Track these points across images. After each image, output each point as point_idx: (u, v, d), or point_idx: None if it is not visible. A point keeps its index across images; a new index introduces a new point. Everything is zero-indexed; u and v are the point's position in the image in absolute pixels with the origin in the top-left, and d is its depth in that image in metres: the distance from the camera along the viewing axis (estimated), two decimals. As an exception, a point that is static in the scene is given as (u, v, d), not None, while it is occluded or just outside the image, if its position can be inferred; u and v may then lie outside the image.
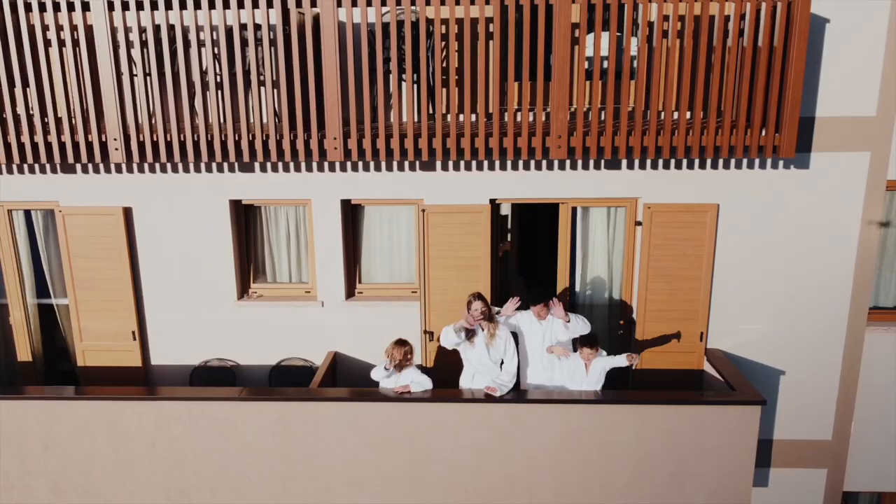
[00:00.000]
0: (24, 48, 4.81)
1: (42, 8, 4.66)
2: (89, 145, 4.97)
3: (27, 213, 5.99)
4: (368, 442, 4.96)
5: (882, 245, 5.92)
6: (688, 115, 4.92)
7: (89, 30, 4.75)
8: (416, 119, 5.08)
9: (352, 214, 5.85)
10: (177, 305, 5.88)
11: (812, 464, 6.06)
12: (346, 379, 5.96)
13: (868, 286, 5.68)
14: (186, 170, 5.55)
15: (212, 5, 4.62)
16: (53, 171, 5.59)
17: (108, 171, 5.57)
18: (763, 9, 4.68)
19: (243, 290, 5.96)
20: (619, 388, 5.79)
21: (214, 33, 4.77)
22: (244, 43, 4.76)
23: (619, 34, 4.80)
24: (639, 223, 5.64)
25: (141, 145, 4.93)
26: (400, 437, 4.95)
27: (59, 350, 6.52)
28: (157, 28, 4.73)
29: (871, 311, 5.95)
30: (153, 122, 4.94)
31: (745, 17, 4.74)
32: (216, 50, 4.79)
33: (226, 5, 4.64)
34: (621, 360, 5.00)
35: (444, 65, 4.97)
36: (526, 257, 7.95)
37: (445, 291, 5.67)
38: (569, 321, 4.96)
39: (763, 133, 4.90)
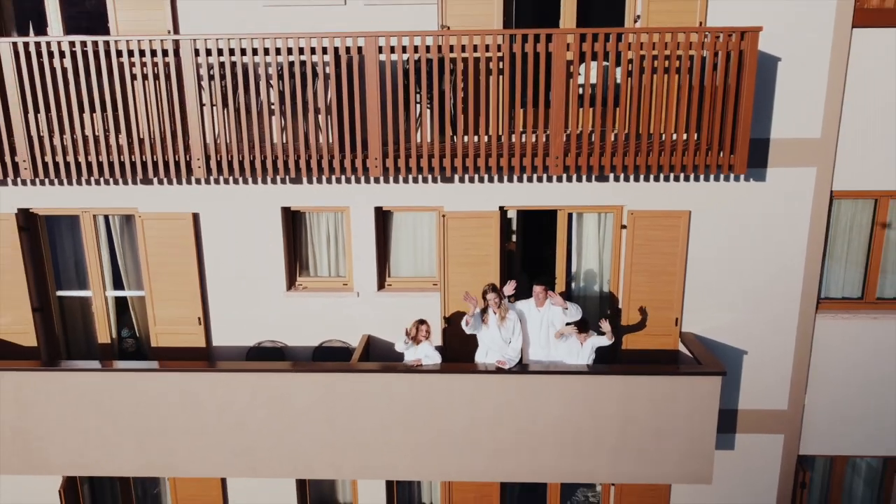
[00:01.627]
0: (120, 83, 5.91)
1: (142, 54, 5.77)
2: (177, 164, 6.07)
3: (106, 218, 7.09)
4: (400, 405, 6.06)
5: (830, 246, 7.00)
6: (662, 138, 6.02)
7: (178, 69, 5.85)
8: (440, 140, 6.17)
9: (383, 219, 6.95)
10: (235, 295, 6.99)
11: (771, 430, 7.15)
12: (378, 358, 7.05)
13: (815, 280, 6.78)
14: (245, 182, 6.65)
15: (278, 52, 5.73)
16: (135, 183, 6.69)
17: (179, 182, 6.68)
18: (720, 55, 5.78)
19: (291, 283, 7.06)
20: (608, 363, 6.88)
21: (279, 72, 5.88)
22: (303, 80, 5.87)
23: (605, 63, 5.88)
24: (624, 226, 6.74)
25: (218, 163, 6.04)
26: (422, 405, 6.05)
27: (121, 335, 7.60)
28: (233, 66, 5.83)
29: (823, 300, 7.05)
30: (229, 144, 6.03)
31: (705, 60, 5.84)
32: (281, 86, 5.89)
33: (289, 52, 5.74)
34: (604, 340, 6.10)
35: (463, 95, 6.06)
36: (529, 255, 9.03)
37: (461, 284, 6.77)
38: (567, 308, 6.05)
39: (721, 154, 6.00)
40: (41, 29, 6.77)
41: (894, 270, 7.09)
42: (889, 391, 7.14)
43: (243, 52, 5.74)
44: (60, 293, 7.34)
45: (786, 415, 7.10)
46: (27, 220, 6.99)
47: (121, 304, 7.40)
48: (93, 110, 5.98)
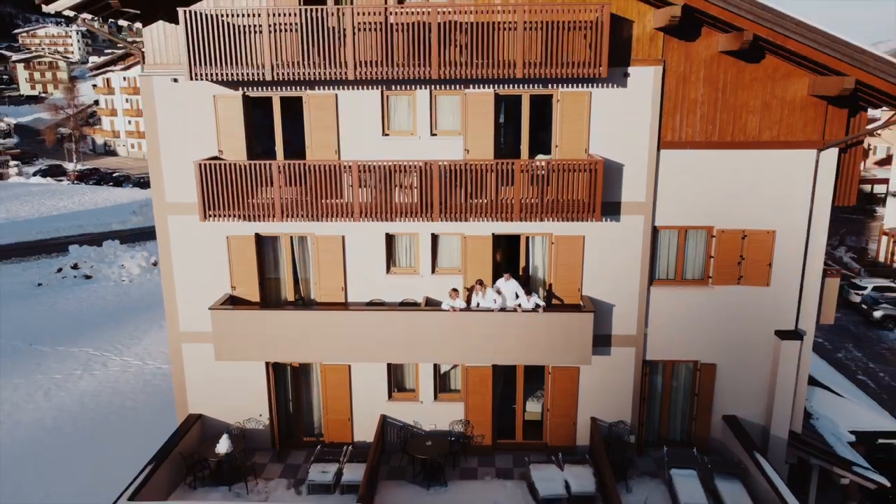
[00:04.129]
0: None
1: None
2: (336, 210, 13.07)
3: (291, 238, 14.09)
4: (442, 327, 13.10)
5: (658, 252, 13.97)
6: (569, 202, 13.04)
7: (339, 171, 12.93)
8: (465, 203, 13.13)
9: (435, 239, 13.95)
10: (360, 276, 14.00)
11: (629, 345, 14.16)
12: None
13: (647, 269, 13.80)
14: (367, 220, 13.66)
15: (393, 165, 12.83)
16: (312, 219, 13.69)
17: (335, 218, 13.64)
18: (589, 169, 12.81)
19: (388, 269, 14.08)
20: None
21: (393, 170, 12.97)
22: (403, 175, 12.95)
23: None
24: (553, 243, 13.76)
25: (361, 211, 13.07)
26: (453, 327, 13.09)
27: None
28: (375, 169, 12.93)
29: (655, 280, 14.04)
30: (366, 204, 13.06)
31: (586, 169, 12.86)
32: (392, 180, 12.97)
33: (396, 165, 12.85)
34: (540, 300, 13.17)
35: (472, 181, 13.00)
36: (508, 258, 16.05)
37: (473, 272, 13.78)
38: (519, 285, 13.08)
39: (593, 210, 13.00)
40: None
41: (692, 264, 14.08)
42: (690, 326, 14.11)
43: (379, 168, 12.77)
44: (269, 276, 14.38)
45: (635, 337, 14.12)
46: (257, 238, 14.03)
47: (295, 282, 14.40)
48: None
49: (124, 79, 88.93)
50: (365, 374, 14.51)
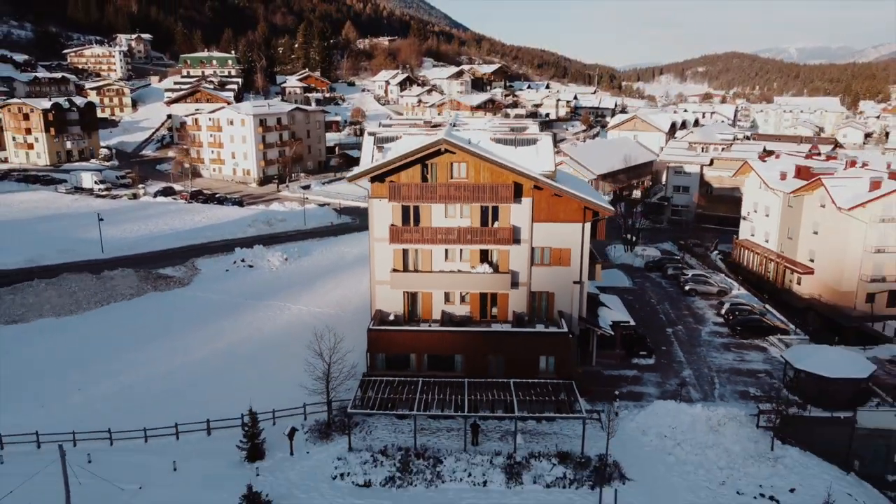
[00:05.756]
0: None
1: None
2: (431, 233, 41.71)
3: (416, 250, 42.59)
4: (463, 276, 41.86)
5: (532, 254, 42.43)
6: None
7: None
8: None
9: (461, 251, 42.52)
10: (436, 260, 42.60)
11: (524, 285, 42.76)
12: (459, 273, 42.74)
13: (530, 259, 42.47)
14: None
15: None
16: (420, 244, 42.20)
17: (426, 244, 42.05)
18: (510, 228, 41.48)
19: (446, 258, 42.72)
20: (497, 274, 42.42)
21: (448, 229, 41.65)
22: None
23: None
24: (499, 251, 42.36)
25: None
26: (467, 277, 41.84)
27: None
28: (441, 229, 41.75)
29: (535, 264, 42.61)
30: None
31: (508, 228, 41.47)
32: (448, 231, 41.71)
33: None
34: (491, 269, 41.95)
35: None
36: (484, 258, 44.65)
37: (473, 260, 42.37)
38: (488, 264, 41.74)
39: (513, 242, 41.53)
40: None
41: (545, 258, 42.58)
42: (545, 278, 42.58)
43: (443, 230, 41.39)
44: (406, 264, 43.00)
45: (527, 283, 42.70)
46: (403, 250, 42.64)
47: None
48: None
49: (210, 119, 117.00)
50: (437, 295, 42.97)
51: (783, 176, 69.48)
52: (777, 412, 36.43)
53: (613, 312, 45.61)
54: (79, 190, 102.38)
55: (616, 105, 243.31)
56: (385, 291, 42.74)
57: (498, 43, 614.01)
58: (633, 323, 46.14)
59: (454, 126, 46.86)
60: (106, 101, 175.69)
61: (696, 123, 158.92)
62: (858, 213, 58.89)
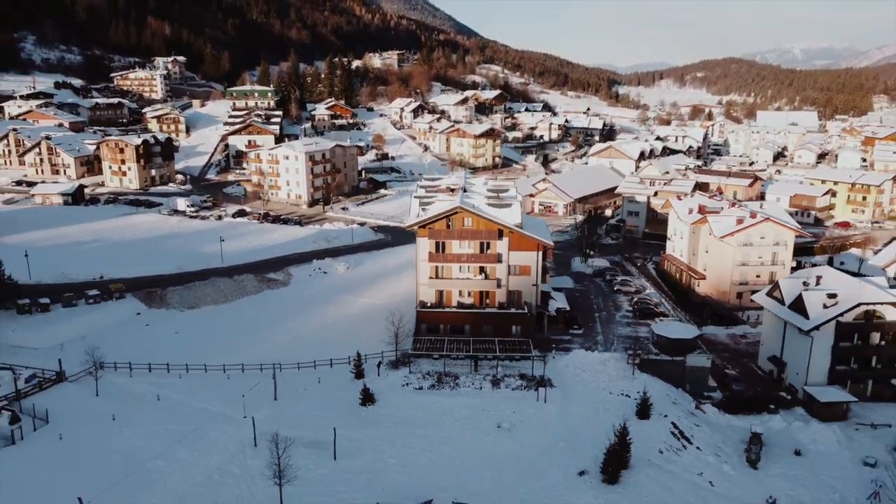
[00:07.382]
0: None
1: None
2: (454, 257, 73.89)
3: (445, 266, 74.56)
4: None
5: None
6: (492, 260, 73.59)
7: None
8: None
9: (468, 266, 74.58)
10: (453, 272, 74.68)
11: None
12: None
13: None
14: (456, 263, 74.09)
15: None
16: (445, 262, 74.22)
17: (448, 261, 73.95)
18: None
19: (459, 271, 74.83)
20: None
21: (461, 255, 73.87)
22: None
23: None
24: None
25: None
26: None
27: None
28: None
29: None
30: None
31: (495, 254, 73.55)
32: (461, 256, 73.94)
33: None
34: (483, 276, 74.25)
35: (476, 256, 73.19)
36: (482, 269, 76.59)
37: (475, 271, 74.44)
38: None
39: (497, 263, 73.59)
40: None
41: (516, 269, 74.46)
42: (517, 282, 74.44)
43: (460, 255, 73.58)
44: (439, 273, 75.14)
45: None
46: (436, 266, 74.72)
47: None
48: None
49: (269, 154, 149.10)
50: (455, 292, 74.83)
51: (690, 211, 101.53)
52: (637, 355, 68.27)
53: (558, 303, 77.45)
54: (176, 212, 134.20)
55: (604, 125, 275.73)
56: (425, 289, 74.70)
57: (501, 49, 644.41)
58: (568, 308, 78.00)
59: (465, 191, 78.68)
60: (164, 127, 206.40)
61: (664, 151, 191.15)
62: (729, 239, 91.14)
